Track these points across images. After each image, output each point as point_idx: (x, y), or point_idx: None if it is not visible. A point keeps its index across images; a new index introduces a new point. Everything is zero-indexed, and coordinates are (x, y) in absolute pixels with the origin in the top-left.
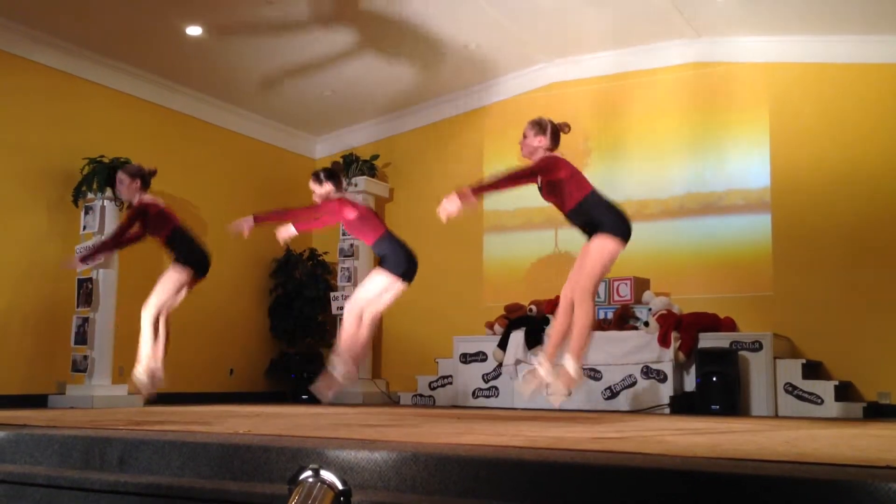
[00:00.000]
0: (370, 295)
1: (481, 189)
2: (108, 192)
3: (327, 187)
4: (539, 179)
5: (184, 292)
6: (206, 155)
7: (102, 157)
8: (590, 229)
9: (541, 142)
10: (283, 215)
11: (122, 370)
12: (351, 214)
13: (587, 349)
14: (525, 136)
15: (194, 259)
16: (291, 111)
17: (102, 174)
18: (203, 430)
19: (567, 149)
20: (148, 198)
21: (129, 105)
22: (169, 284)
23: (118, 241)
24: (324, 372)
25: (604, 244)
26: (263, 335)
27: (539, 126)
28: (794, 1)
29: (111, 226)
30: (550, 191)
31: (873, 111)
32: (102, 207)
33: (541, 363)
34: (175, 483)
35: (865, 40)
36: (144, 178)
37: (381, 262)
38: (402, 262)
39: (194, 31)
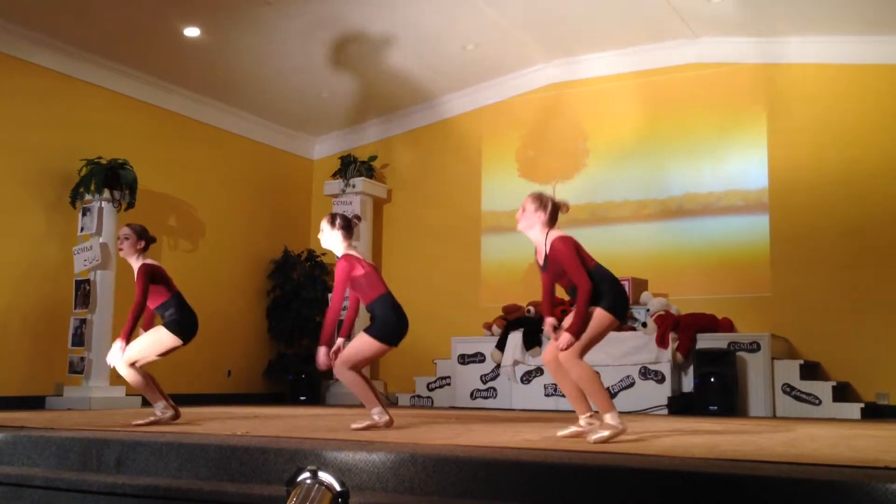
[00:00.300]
0: (354, 355)
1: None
2: (106, 194)
3: (337, 234)
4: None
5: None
6: (204, 156)
7: (100, 158)
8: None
9: (540, 217)
10: (329, 327)
11: None
12: (359, 271)
13: (605, 393)
14: (524, 210)
15: (190, 325)
16: (290, 112)
17: (100, 175)
18: (200, 432)
19: (566, 150)
20: (150, 260)
21: (127, 106)
22: (159, 348)
23: (142, 308)
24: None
25: (602, 316)
26: (261, 336)
27: (539, 201)
28: (791, 2)
29: (109, 227)
30: (558, 276)
31: (871, 112)
32: (100, 209)
33: (588, 424)
34: (173, 484)
35: (863, 41)
36: (148, 241)
37: (371, 321)
38: (392, 326)
39: (192, 32)
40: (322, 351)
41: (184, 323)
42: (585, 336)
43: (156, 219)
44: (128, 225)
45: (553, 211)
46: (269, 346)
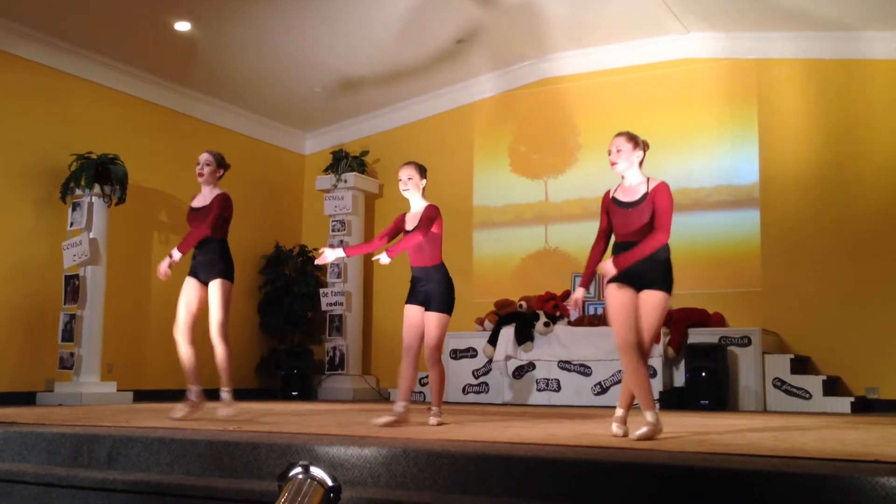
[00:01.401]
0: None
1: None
2: (96, 189)
3: (423, 183)
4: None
5: None
6: (194, 151)
7: (90, 153)
8: (637, 278)
9: (639, 156)
10: (370, 246)
11: (112, 368)
12: (439, 228)
13: (649, 393)
14: (619, 150)
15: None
16: (281, 107)
17: (90, 170)
18: (192, 427)
19: (558, 144)
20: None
21: (117, 101)
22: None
23: (206, 236)
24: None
25: (658, 300)
26: (253, 331)
27: (635, 141)
28: None
29: (99, 222)
30: (637, 217)
31: (860, 107)
32: (90, 204)
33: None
34: (164, 480)
35: (852, 37)
36: (225, 170)
37: (427, 297)
38: (450, 298)
39: (183, 26)
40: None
41: (231, 268)
42: (657, 325)
43: (146, 214)
44: (209, 152)
45: (645, 150)
46: (260, 342)
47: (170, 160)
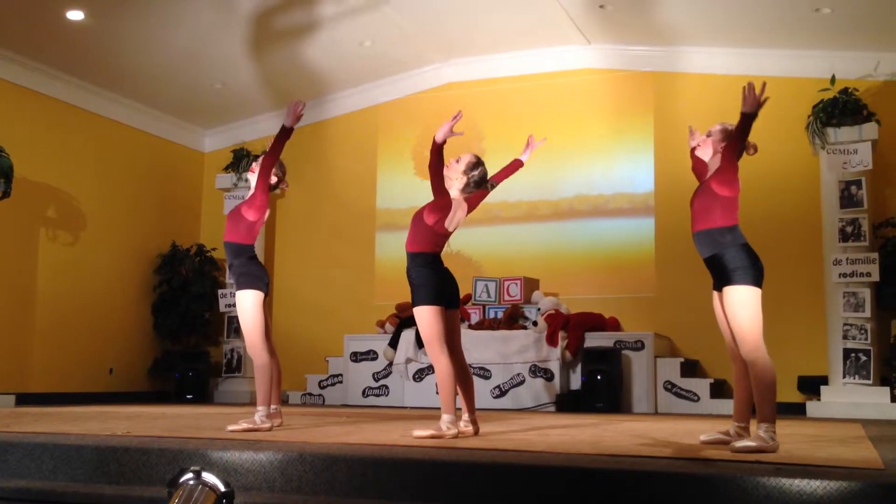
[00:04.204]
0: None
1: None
2: None
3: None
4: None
5: None
6: (86, 145)
7: None
8: (719, 271)
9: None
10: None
11: None
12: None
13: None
14: (709, 134)
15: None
16: (180, 102)
17: None
18: (77, 432)
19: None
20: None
21: (3, 91)
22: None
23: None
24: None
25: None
26: (146, 333)
27: (728, 136)
28: (677, 14)
29: None
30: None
31: None
32: None
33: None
34: (47, 487)
35: (745, 53)
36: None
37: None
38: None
39: (75, 15)
40: None
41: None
42: (756, 321)
43: (33, 209)
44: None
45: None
46: (154, 343)
47: (60, 153)
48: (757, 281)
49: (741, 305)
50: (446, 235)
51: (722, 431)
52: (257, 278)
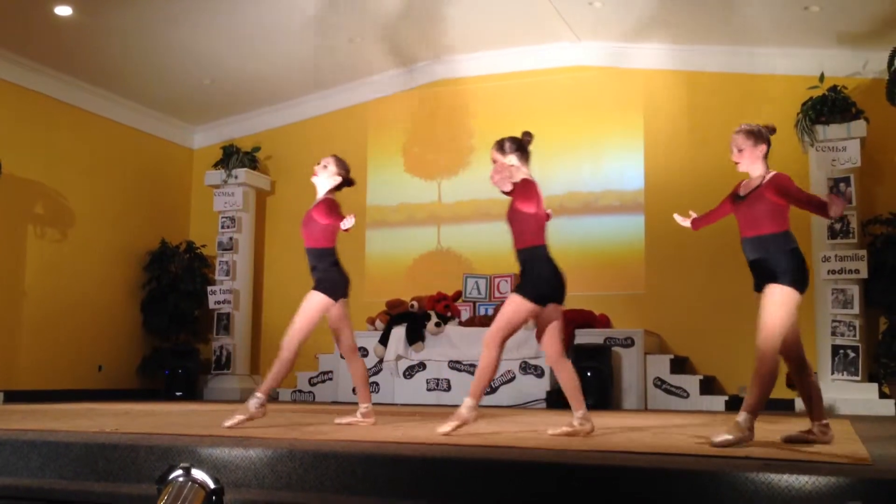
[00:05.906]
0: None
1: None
2: None
3: (511, 159)
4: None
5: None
6: (74, 141)
7: None
8: (765, 273)
9: (762, 150)
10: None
11: None
12: (534, 207)
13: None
14: (741, 150)
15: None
16: (169, 99)
17: None
18: (65, 429)
19: (452, 146)
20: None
21: None
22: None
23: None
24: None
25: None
26: (135, 330)
27: (756, 135)
28: (668, 11)
29: None
30: (755, 204)
31: (739, 118)
32: None
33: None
34: (34, 484)
35: (734, 52)
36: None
37: (521, 276)
38: (543, 282)
39: (63, 10)
40: None
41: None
42: (786, 323)
43: (20, 206)
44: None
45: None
46: (143, 341)
47: (47, 150)
48: (800, 286)
49: (779, 304)
50: (548, 217)
51: (804, 431)
52: (334, 283)
